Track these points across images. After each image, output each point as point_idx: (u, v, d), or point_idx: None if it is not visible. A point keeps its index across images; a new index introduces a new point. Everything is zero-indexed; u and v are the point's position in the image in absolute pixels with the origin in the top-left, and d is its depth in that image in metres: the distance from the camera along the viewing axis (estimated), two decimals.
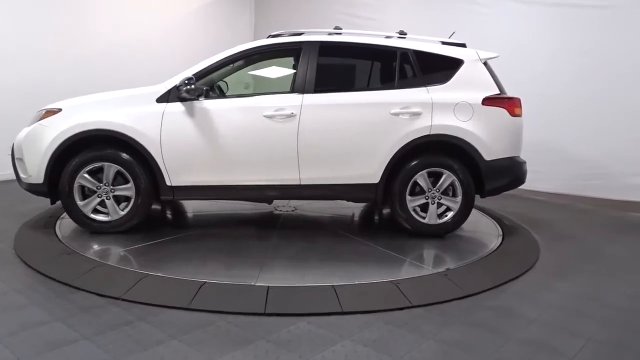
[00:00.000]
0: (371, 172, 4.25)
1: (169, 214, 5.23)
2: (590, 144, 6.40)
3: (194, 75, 4.11)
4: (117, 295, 3.03)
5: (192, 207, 5.40)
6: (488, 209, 5.47)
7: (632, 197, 6.06)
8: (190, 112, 4.12)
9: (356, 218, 5.34)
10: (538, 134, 6.04)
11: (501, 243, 4.39)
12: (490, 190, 4.43)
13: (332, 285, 3.24)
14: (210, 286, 3.19)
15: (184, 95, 4.04)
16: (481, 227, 4.89)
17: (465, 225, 4.48)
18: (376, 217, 5.41)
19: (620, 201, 6.10)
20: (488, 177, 4.33)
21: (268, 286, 3.20)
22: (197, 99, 4.12)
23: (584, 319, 3.00)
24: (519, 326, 2.88)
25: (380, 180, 4.26)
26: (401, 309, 3.03)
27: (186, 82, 4.02)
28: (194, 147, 4.12)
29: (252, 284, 3.26)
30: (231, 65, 4.48)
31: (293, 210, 5.30)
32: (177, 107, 4.11)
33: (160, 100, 4.14)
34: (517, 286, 3.51)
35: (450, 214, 4.38)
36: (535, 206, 6.10)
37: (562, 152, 6.59)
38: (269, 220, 5.06)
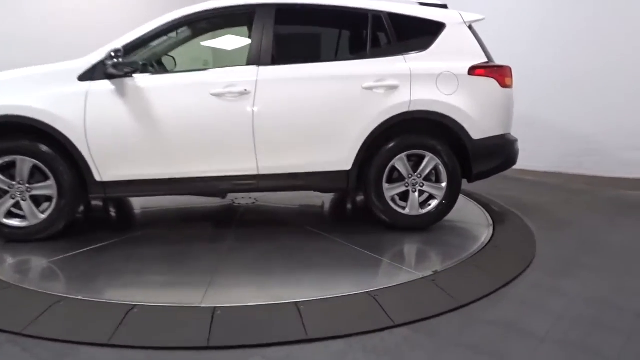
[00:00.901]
0: (341, 157, 3.63)
1: (112, 212, 4.53)
2: (582, 118, 5.88)
3: (123, 47, 3.39)
4: (16, 329, 2.33)
5: (139, 202, 4.70)
6: (474, 194, 4.90)
7: (629, 174, 5.55)
8: (122, 92, 3.41)
9: (326, 208, 4.72)
10: (525, 108, 5.48)
11: (492, 235, 3.83)
12: (479, 174, 3.89)
13: (296, 303, 2.61)
14: (142, 311, 2.52)
15: (112, 71, 3.34)
16: (468, 216, 4.32)
17: (450, 215, 3.90)
18: (349, 207, 4.79)
19: (617, 179, 5.60)
20: (476, 159, 3.78)
21: (215, 307, 2.55)
22: (130, 76, 3.42)
23: (604, 331, 2.45)
24: (528, 347, 2.31)
25: (352, 167, 3.65)
26: (382, 329, 2.43)
27: (112, 55, 3.30)
28: (127, 134, 3.42)
29: (196, 304, 2.61)
30: (174, 35, 3.78)
31: (253, 203, 4.64)
32: (104, 85, 3.40)
33: (83, 78, 3.41)
34: (517, 290, 2.94)
35: (433, 203, 3.82)
36: (525, 188, 5.57)
37: (551, 127, 6.06)
38: (225, 215, 4.40)
